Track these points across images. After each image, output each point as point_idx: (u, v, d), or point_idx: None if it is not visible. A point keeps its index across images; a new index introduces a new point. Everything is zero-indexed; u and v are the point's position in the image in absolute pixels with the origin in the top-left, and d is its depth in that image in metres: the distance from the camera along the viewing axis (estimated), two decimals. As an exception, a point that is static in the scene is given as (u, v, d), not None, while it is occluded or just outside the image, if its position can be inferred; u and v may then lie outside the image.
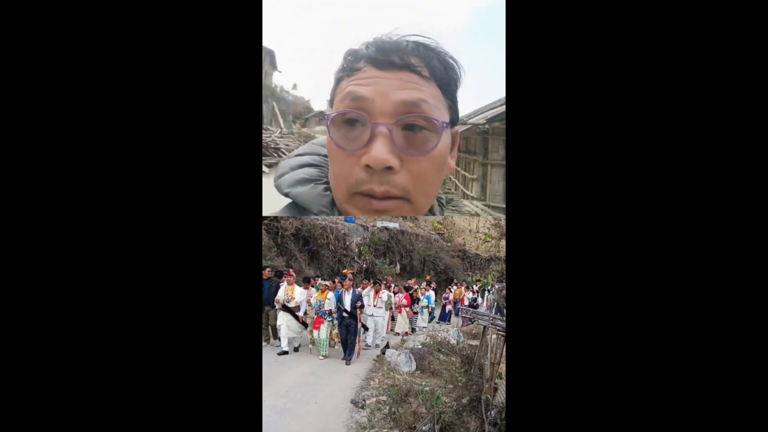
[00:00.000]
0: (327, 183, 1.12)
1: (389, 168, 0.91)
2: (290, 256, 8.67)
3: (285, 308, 5.74)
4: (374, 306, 6.67)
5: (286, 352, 5.71)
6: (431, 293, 9.43)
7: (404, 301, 8.02)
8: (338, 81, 1.03)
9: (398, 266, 13.73)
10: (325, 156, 1.12)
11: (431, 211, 1.16)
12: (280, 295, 5.76)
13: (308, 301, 5.81)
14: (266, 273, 6.22)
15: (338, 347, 5.87)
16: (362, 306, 5.79)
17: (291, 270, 6.10)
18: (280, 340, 5.79)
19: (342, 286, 5.94)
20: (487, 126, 8.51)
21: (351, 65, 1.00)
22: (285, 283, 5.87)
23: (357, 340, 5.73)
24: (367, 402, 3.97)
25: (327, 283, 5.91)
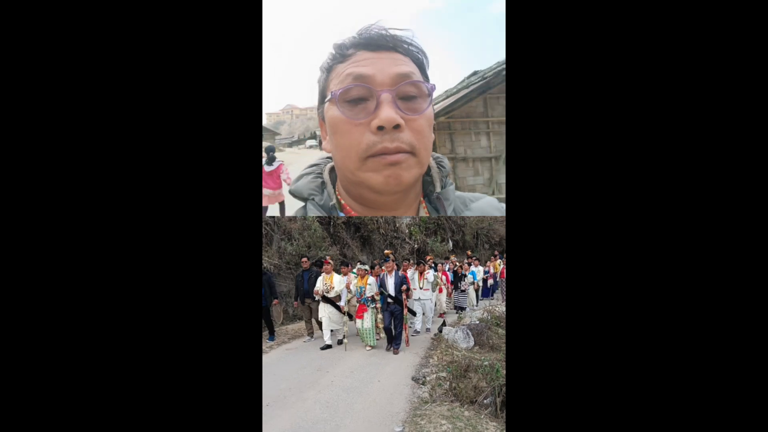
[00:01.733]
0: (319, 173, 1.29)
1: (397, 127, 1.05)
2: (343, 244, 8.84)
3: (325, 299, 5.41)
4: (420, 288, 6.20)
5: (329, 346, 5.39)
6: (477, 269, 8.77)
7: (443, 279, 7.44)
8: (329, 70, 1.17)
9: (450, 243, 13.30)
10: (327, 158, 1.30)
11: (435, 208, 1.28)
12: (319, 285, 5.44)
13: (348, 287, 5.44)
14: (305, 263, 5.91)
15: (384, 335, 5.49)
16: (408, 289, 5.33)
17: (329, 257, 5.73)
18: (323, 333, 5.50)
19: (383, 269, 5.51)
20: (433, 122, 8.07)
21: (342, 53, 1.15)
22: (323, 272, 5.54)
23: (404, 328, 5.29)
24: (428, 378, 4.02)
25: (366, 267, 5.50)
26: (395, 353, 5.11)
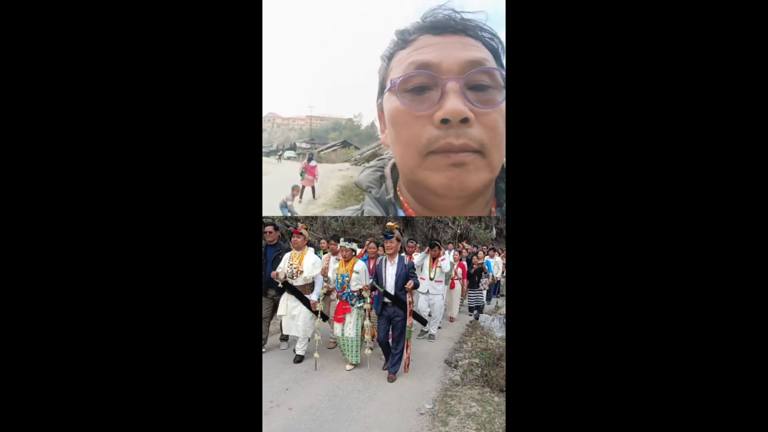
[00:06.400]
0: (381, 167, 1.25)
1: (464, 121, 0.98)
2: (386, 222, 7.94)
3: (289, 288, 3.62)
4: (431, 279, 4.37)
5: (301, 358, 3.66)
6: (494, 260, 7.07)
7: (458, 271, 5.63)
8: (389, 57, 1.10)
9: (494, 231, 12.03)
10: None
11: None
12: (282, 266, 3.65)
13: (324, 273, 3.64)
14: (269, 233, 3.93)
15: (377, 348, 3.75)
16: (416, 285, 3.45)
17: (301, 225, 3.86)
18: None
19: (381, 251, 3.69)
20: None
21: (404, 38, 1.06)
22: (293, 247, 3.73)
23: (406, 345, 3.45)
24: (460, 363, 3.88)
25: (353, 246, 3.66)
26: (390, 379, 3.33)
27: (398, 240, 3.53)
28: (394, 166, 1.23)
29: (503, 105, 1.01)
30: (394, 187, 1.22)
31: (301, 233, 3.69)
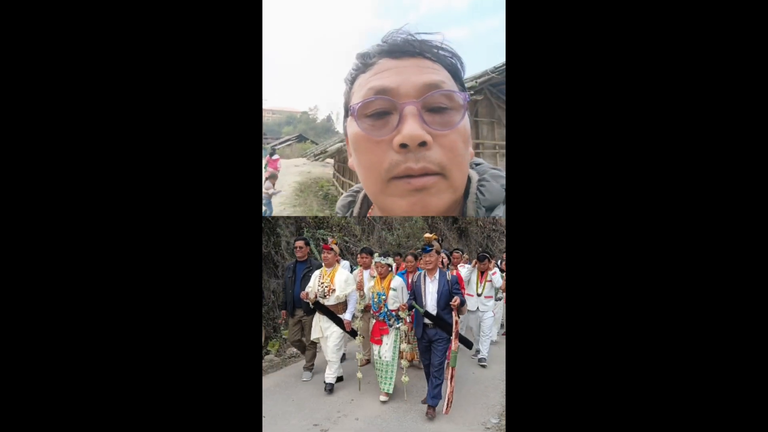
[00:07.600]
0: (356, 192, 1.28)
1: (423, 144, 0.96)
2: (440, 235, 8.40)
3: (320, 308, 3.31)
4: (479, 294, 3.91)
5: (335, 383, 3.36)
6: None
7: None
8: (352, 81, 1.12)
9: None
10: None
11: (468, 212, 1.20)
12: (312, 284, 3.35)
13: (359, 288, 3.30)
14: (299, 248, 3.67)
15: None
16: (462, 303, 2.98)
17: (332, 238, 3.54)
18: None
19: (417, 263, 3.29)
20: (469, 137, 7.19)
21: (364, 61, 1.09)
22: (323, 263, 3.43)
23: (450, 375, 2.94)
24: None
25: (389, 260, 3.30)
26: (430, 416, 2.90)
27: (438, 253, 3.12)
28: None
29: (461, 125, 1.01)
30: (365, 211, 1.22)
31: (331, 249, 3.37)
